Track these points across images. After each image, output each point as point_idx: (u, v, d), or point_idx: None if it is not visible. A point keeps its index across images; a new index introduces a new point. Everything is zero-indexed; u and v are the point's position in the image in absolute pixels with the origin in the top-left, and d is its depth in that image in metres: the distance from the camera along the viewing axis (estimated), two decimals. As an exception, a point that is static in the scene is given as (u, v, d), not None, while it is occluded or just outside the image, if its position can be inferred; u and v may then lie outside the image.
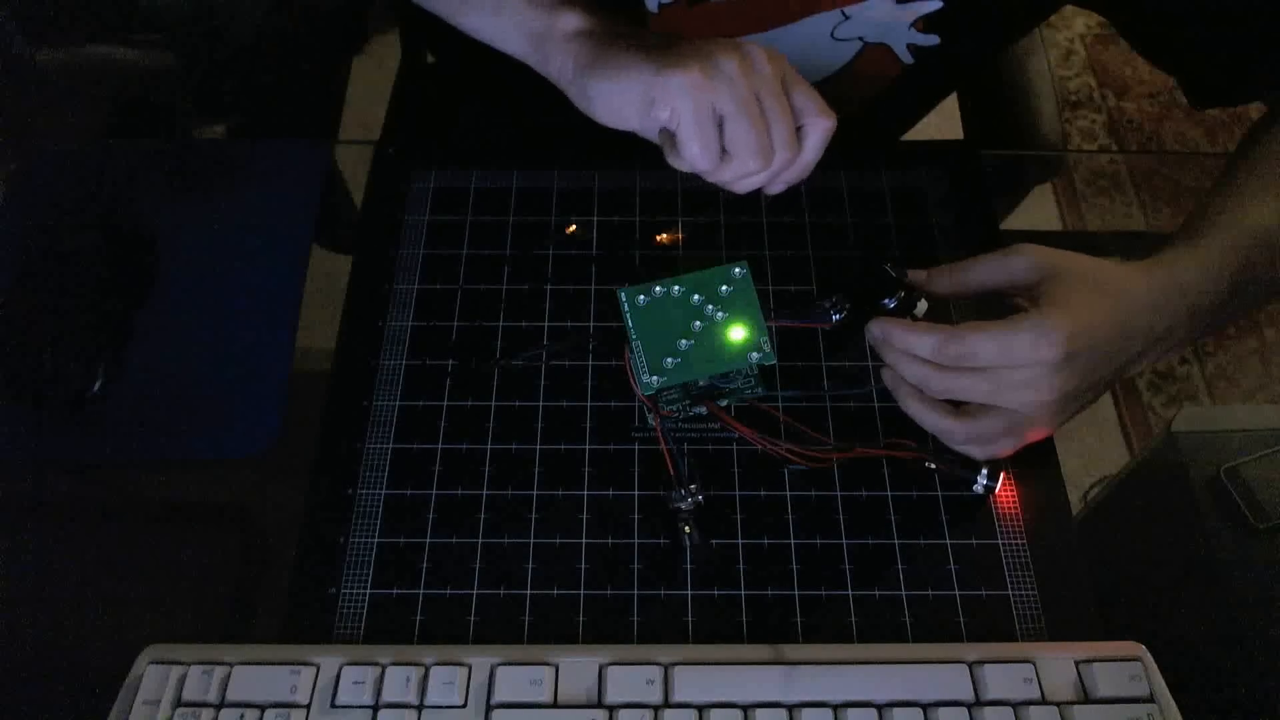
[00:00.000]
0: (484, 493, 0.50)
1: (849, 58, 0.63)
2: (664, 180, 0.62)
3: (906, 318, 0.48)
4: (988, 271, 0.47)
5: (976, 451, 0.48)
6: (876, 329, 0.47)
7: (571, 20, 0.48)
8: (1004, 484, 0.50)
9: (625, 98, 0.45)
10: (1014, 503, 0.50)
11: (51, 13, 0.74)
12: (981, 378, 0.44)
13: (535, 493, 0.50)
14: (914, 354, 0.45)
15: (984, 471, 0.49)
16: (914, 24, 0.59)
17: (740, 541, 0.49)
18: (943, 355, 0.44)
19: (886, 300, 0.48)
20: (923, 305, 0.48)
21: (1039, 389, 0.43)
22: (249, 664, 0.43)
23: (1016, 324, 0.43)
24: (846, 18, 0.59)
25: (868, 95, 0.67)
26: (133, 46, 0.78)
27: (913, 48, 0.61)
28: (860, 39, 0.61)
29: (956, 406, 0.47)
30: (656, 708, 0.42)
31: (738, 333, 0.47)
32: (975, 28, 0.60)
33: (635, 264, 0.59)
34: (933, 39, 0.60)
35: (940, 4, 0.57)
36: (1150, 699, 0.42)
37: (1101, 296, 0.44)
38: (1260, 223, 0.46)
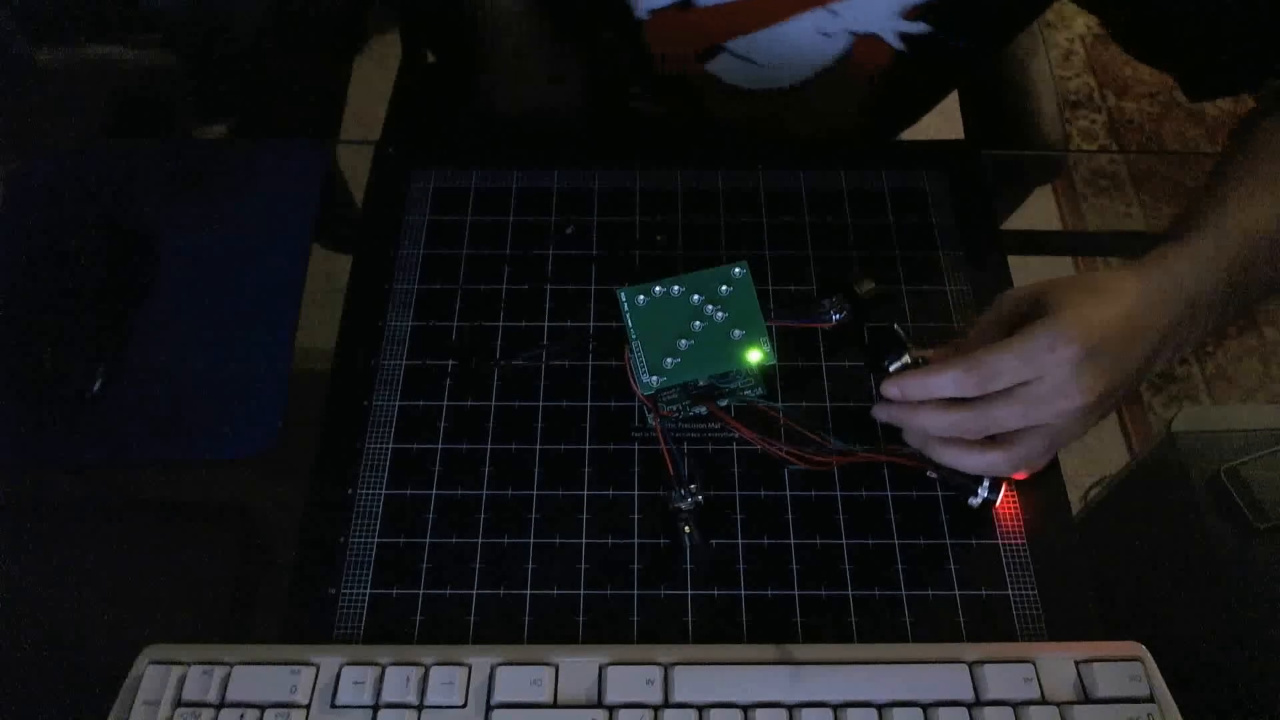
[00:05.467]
0: (484, 493, 0.50)
1: (840, 51, 0.63)
2: (664, 180, 0.62)
3: None
4: (987, 332, 0.47)
5: (1023, 472, 0.48)
6: (893, 389, 0.46)
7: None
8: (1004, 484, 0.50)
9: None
10: (1014, 502, 0.50)
11: (51, 13, 0.73)
12: (1013, 401, 0.44)
13: (535, 493, 0.50)
14: (937, 398, 0.45)
15: (985, 484, 0.48)
16: (902, 14, 0.59)
17: (740, 541, 0.49)
18: (967, 384, 0.44)
19: (888, 361, 0.48)
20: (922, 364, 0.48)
21: (1068, 394, 0.43)
22: (249, 664, 0.43)
23: (1030, 331, 0.43)
24: (834, 15, 0.59)
25: (865, 88, 0.66)
26: (133, 46, 0.78)
27: (903, 35, 0.61)
28: (849, 32, 0.61)
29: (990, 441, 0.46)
30: (656, 708, 0.42)
31: (737, 333, 0.47)
32: (965, 16, 0.60)
33: (635, 264, 0.59)
34: (921, 26, 0.60)
35: None
36: (1150, 699, 0.42)
37: (1100, 297, 0.44)
38: (1250, 217, 0.47)
